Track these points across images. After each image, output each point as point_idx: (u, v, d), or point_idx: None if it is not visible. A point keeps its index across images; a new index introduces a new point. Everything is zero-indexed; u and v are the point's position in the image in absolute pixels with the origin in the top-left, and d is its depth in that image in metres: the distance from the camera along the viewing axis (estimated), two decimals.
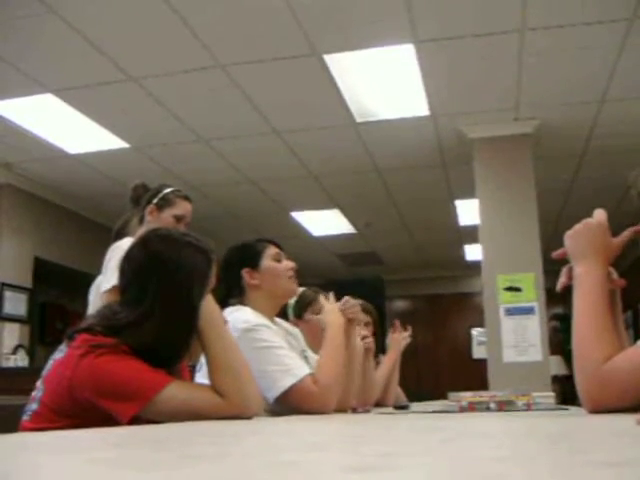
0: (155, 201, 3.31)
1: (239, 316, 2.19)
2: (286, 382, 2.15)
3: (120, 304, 1.74)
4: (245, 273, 2.44)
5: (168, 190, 3.36)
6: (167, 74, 4.87)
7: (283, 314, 2.84)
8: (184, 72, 4.85)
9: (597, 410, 1.44)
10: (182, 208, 3.34)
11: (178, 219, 3.30)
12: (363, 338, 3.06)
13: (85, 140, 5.95)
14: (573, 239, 1.65)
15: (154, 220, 3.24)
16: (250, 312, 2.33)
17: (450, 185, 7.37)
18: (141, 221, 3.32)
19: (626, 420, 1.27)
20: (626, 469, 0.57)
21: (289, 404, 2.15)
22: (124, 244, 3.02)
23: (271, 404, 2.11)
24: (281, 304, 2.56)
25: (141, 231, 2.91)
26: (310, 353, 2.59)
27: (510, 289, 5.51)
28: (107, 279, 3.04)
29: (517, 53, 4.67)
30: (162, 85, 5.03)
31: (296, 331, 2.68)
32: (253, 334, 2.18)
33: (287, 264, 2.52)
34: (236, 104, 5.35)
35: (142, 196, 3.36)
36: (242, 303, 2.41)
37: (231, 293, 2.46)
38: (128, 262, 1.78)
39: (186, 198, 3.39)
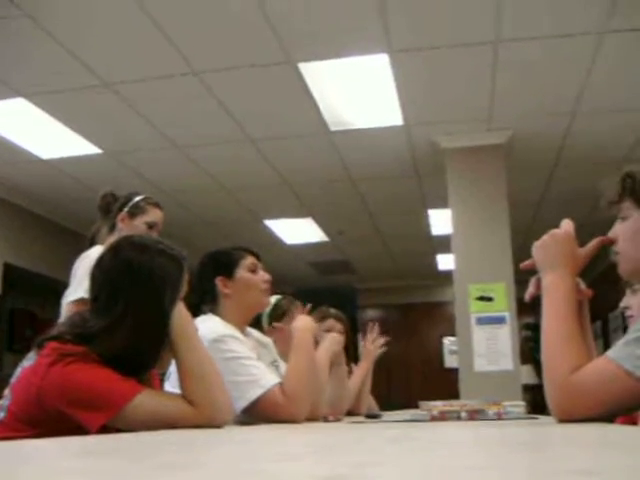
0: (127, 209, 3.30)
1: (208, 326, 2.17)
2: (253, 393, 2.14)
3: (91, 312, 1.73)
4: (219, 281, 2.43)
5: (139, 198, 3.36)
6: (141, 80, 4.85)
7: (257, 323, 2.83)
8: (158, 78, 4.83)
9: (566, 419, 1.45)
10: (154, 215, 3.35)
11: (150, 226, 3.30)
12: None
13: (58, 145, 5.90)
14: (541, 250, 1.67)
15: (126, 228, 3.24)
16: (219, 322, 2.32)
17: (423, 194, 7.41)
18: (111, 229, 3.31)
19: (595, 429, 1.29)
20: (595, 478, 0.57)
21: (257, 415, 2.14)
22: (92, 253, 3.01)
23: (239, 415, 2.10)
24: (252, 315, 2.54)
25: (112, 239, 2.90)
26: (282, 363, 2.59)
27: (481, 298, 5.54)
28: (73, 290, 3.03)
29: (491, 64, 4.71)
30: (136, 91, 5.00)
31: (267, 341, 2.67)
32: (221, 345, 2.17)
33: (262, 276, 2.50)
34: (210, 111, 5.33)
35: (111, 204, 3.35)
36: (214, 311, 2.40)
37: (204, 300, 2.44)
38: (99, 269, 1.77)
39: (157, 205, 3.39)
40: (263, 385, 2.16)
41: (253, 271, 2.49)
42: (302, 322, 2.46)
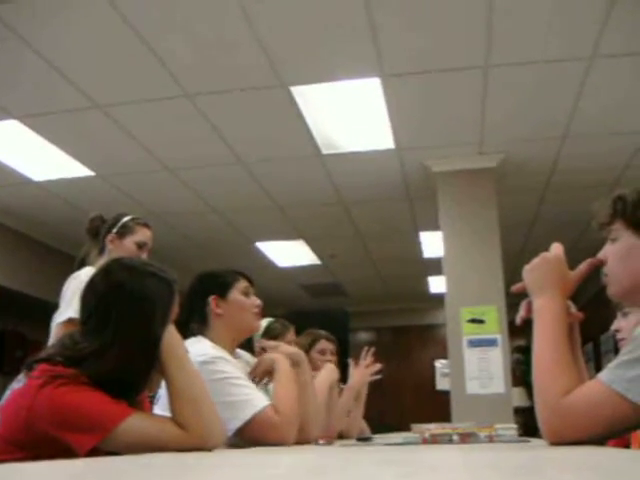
0: (115, 230, 3.31)
1: (197, 349, 2.16)
2: (247, 413, 2.13)
3: (81, 334, 1.72)
4: (212, 300, 2.42)
5: (127, 218, 3.37)
6: (134, 102, 4.86)
7: (248, 346, 2.83)
8: (151, 101, 4.85)
9: (558, 442, 1.45)
10: (143, 235, 3.36)
11: (140, 246, 3.31)
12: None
13: (49, 167, 5.90)
14: (531, 273, 1.67)
15: (116, 249, 3.24)
16: (209, 345, 2.31)
17: (415, 218, 7.43)
18: (101, 252, 3.31)
19: (586, 452, 1.28)
20: None
21: (250, 435, 2.12)
22: (82, 274, 3.01)
23: (231, 437, 2.08)
24: (241, 338, 2.53)
25: (102, 261, 2.91)
26: (272, 385, 2.58)
27: (473, 321, 5.53)
28: (63, 310, 3.02)
29: (482, 89, 4.75)
30: (128, 113, 5.01)
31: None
32: (211, 366, 2.16)
33: (254, 300, 2.51)
34: (203, 134, 5.35)
35: (100, 228, 3.37)
36: (202, 331, 2.39)
37: (192, 318, 2.43)
38: (90, 291, 1.77)
39: (146, 225, 3.41)
40: (256, 405, 2.15)
41: (246, 294, 2.50)
42: (283, 350, 2.52)
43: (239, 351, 2.55)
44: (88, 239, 3.41)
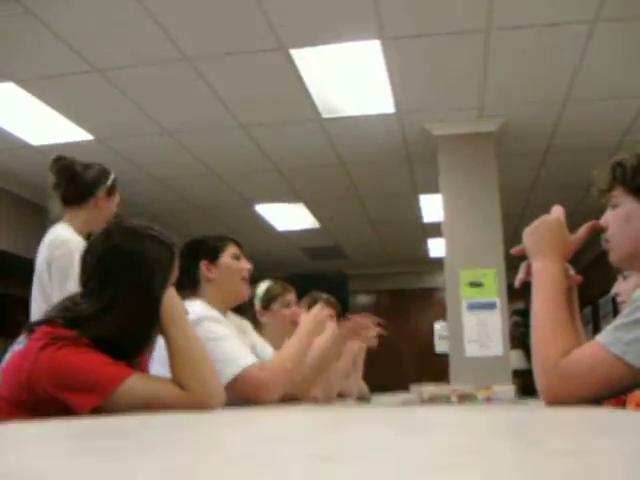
0: (109, 184, 3.23)
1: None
2: (231, 371, 2.17)
3: (82, 296, 1.73)
4: (203, 265, 2.48)
5: (112, 175, 3.22)
6: (133, 66, 4.82)
7: (245, 311, 2.88)
8: (150, 64, 4.81)
9: (555, 403, 1.46)
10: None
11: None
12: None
13: (48, 131, 5.86)
14: (531, 235, 1.68)
15: (106, 208, 3.13)
16: (200, 305, 2.34)
17: (415, 181, 7.41)
18: (79, 205, 3.20)
19: (582, 412, 1.30)
20: (581, 458, 0.58)
21: (236, 392, 2.16)
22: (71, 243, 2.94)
23: None
24: (232, 303, 2.57)
25: (82, 219, 2.87)
26: (261, 347, 2.63)
27: (472, 284, 5.55)
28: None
29: (482, 52, 4.70)
30: (127, 77, 4.97)
31: (245, 325, 2.72)
32: (199, 326, 2.19)
33: (244, 264, 2.56)
34: (202, 97, 5.31)
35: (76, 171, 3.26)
36: (194, 295, 2.42)
37: (181, 282, 2.45)
38: (90, 253, 1.77)
39: None
40: (240, 365, 2.20)
41: (237, 258, 2.56)
42: (311, 317, 2.58)
43: (231, 316, 2.58)
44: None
